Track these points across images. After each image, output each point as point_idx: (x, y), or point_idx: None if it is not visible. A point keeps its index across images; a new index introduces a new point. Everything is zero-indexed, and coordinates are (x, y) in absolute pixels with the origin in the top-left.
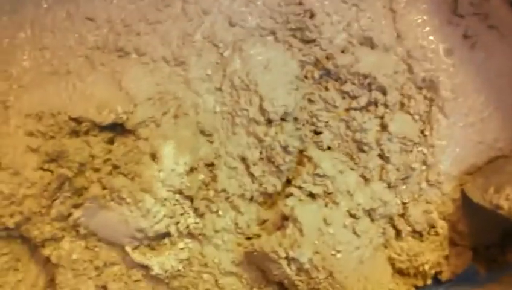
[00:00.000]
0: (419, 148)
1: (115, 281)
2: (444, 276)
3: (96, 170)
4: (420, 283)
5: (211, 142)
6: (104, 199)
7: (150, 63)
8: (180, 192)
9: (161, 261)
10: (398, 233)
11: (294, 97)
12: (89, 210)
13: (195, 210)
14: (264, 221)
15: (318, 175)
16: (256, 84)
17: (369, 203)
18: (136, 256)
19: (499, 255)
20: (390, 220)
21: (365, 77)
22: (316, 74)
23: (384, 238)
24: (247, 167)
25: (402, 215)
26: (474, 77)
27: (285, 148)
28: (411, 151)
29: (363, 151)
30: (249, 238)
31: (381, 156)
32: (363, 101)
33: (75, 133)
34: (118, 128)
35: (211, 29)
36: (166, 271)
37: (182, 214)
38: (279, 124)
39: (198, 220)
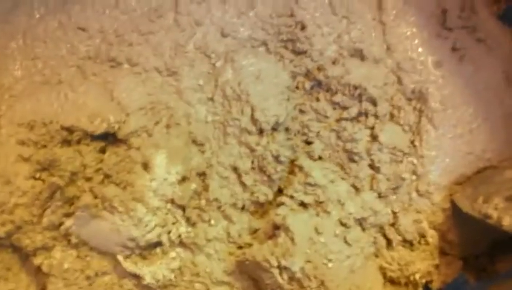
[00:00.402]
0: (409, 159)
1: None
2: (434, 285)
3: (88, 179)
4: None
5: (203, 152)
6: (95, 208)
7: (142, 73)
8: (172, 201)
9: (153, 271)
10: (389, 242)
11: (285, 107)
12: (81, 219)
13: (187, 219)
14: (256, 230)
15: (309, 184)
16: (248, 95)
17: (360, 212)
18: (128, 265)
19: (488, 265)
20: (381, 229)
21: (356, 88)
22: (307, 85)
23: (375, 248)
24: (239, 177)
25: (393, 225)
26: (463, 88)
27: (276, 158)
28: (401, 161)
29: (353, 161)
30: (240, 248)
31: (372, 166)
32: (353, 111)
33: (66, 142)
34: (109, 138)
35: (203, 40)
36: (158, 281)
37: (173, 223)
38: (271, 134)
39: (190, 229)
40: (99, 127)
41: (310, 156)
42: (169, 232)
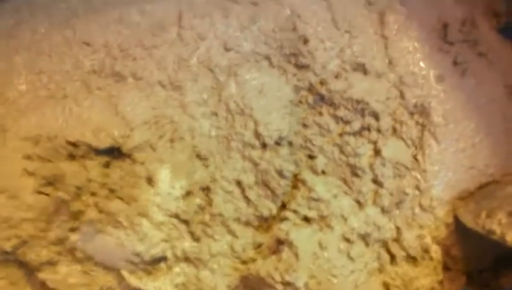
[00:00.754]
0: (412, 173)
1: None
2: None
3: (93, 194)
4: None
5: (207, 166)
6: (100, 222)
7: (146, 87)
8: (177, 216)
9: (157, 286)
10: (393, 258)
11: (288, 122)
12: (86, 234)
13: (192, 234)
14: (260, 245)
15: (313, 199)
16: (251, 109)
17: (363, 227)
18: (133, 281)
19: (492, 280)
20: (385, 244)
21: (358, 102)
22: (310, 99)
23: (378, 263)
24: (243, 191)
25: (396, 240)
26: (465, 103)
27: (280, 172)
28: (404, 176)
29: (356, 175)
30: (244, 263)
31: (375, 181)
32: (356, 126)
33: (72, 157)
34: (114, 152)
35: (207, 54)
36: None
37: (178, 238)
38: (274, 148)
39: (194, 244)
40: (104, 141)
41: (313, 171)
42: (173, 247)
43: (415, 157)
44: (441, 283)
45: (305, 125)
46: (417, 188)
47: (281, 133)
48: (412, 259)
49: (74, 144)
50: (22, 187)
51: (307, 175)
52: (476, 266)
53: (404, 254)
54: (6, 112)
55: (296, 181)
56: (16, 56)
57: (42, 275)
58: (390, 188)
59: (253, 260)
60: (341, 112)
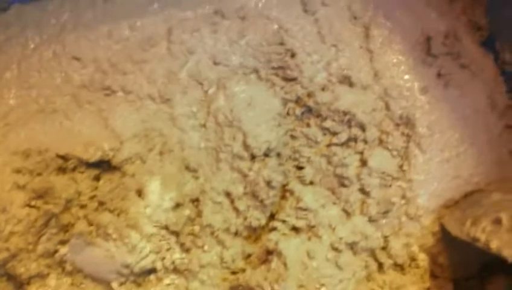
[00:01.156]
0: (398, 183)
1: None
2: None
3: (83, 207)
4: None
5: (196, 178)
6: (90, 235)
7: (136, 100)
8: (166, 227)
9: None
10: (380, 266)
11: (277, 133)
12: (75, 246)
13: (181, 245)
14: (249, 255)
15: (301, 209)
16: (240, 121)
17: (351, 236)
18: None
19: (478, 287)
20: (372, 253)
21: (345, 113)
22: (298, 111)
23: (366, 272)
24: (232, 202)
25: (383, 249)
26: (449, 114)
27: (268, 183)
28: (390, 185)
29: (344, 185)
30: (234, 273)
31: (362, 191)
32: (343, 137)
33: (61, 170)
34: (104, 165)
35: (196, 67)
36: None
37: (167, 250)
38: (263, 159)
39: (184, 255)
40: (94, 154)
41: (301, 181)
42: (163, 259)
43: (401, 167)
44: None
45: (293, 137)
46: (403, 197)
47: (269, 144)
48: (399, 267)
49: (64, 158)
50: (11, 201)
51: (295, 185)
52: (463, 273)
53: (391, 262)
54: None
55: (285, 191)
56: (5, 71)
57: (32, 289)
58: (377, 197)
59: (243, 270)
60: (328, 124)
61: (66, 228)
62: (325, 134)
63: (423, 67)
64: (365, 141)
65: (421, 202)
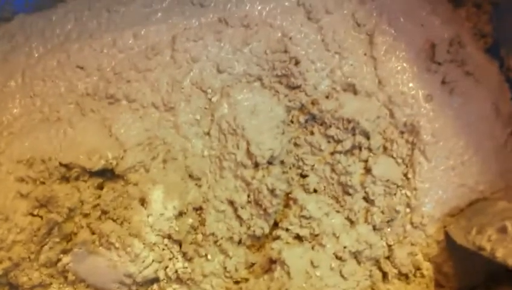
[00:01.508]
0: (403, 191)
1: None
2: None
3: (86, 215)
4: None
5: (200, 186)
6: (93, 244)
7: (139, 109)
8: (169, 236)
9: None
10: (385, 275)
11: (280, 141)
12: (78, 256)
13: (184, 254)
14: (252, 264)
15: (304, 217)
16: (244, 129)
17: (355, 245)
18: None
19: None
20: (377, 262)
21: (349, 121)
22: (302, 119)
23: (371, 281)
24: (235, 210)
25: (388, 258)
26: (454, 121)
27: (272, 191)
28: (395, 194)
29: (348, 194)
30: (237, 282)
31: (366, 199)
32: (347, 145)
33: (65, 179)
34: (107, 174)
35: (200, 75)
36: None
37: (170, 259)
38: (266, 167)
39: (186, 264)
40: (97, 163)
41: (305, 189)
42: (166, 268)
43: (405, 175)
44: None
45: (296, 145)
46: (408, 205)
47: (273, 152)
48: (404, 276)
49: (67, 166)
50: (14, 209)
51: (298, 194)
52: (468, 282)
53: (396, 271)
54: (0, 136)
55: (288, 200)
56: (10, 80)
57: None
58: (381, 206)
59: (246, 280)
60: (332, 131)
61: (68, 237)
62: (329, 142)
63: (427, 75)
64: (369, 149)
65: (425, 210)
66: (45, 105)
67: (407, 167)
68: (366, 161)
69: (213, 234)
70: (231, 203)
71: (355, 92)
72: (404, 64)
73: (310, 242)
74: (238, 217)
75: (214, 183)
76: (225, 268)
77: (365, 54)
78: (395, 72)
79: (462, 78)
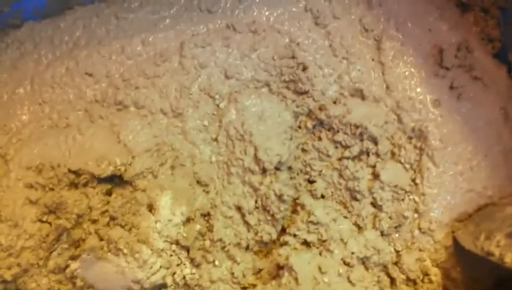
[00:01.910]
0: (411, 197)
1: None
2: None
3: (94, 222)
4: None
5: (207, 192)
6: (101, 250)
7: (148, 115)
8: (177, 242)
9: None
10: (393, 281)
11: (288, 147)
12: (86, 262)
13: (192, 260)
14: (260, 270)
15: (312, 223)
16: (251, 135)
17: (363, 251)
18: None
19: None
20: (385, 268)
21: (357, 127)
22: (309, 124)
23: (379, 287)
24: (243, 216)
25: (396, 264)
26: (462, 126)
27: (280, 197)
28: (403, 199)
29: (356, 199)
30: (244, 288)
31: (374, 205)
32: (355, 150)
33: (74, 185)
34: (116, 180)
35: (208, 81)
36: None
37: (178, 265)
38: (274, 173)
39: (194, 270)
40: (105, 170)
41: (313, 195)
42: (173, 274)
43: (413, 181)
44: None
45: (304, 150)
46: (416, 211)
47: (280, 158)
48: (412, 282)
49: (76, 173)
50: (23, 216)
51: (306, 199)
52: (476, 288)
53: (404, 277)
54: (9, 142)
55: (296, 205)
56: (19, 87)
57: None
58: (389, 211)
59: (253, 286)
60: (340, 137)
61: (77, 243)
62: (336, 147)
63: (435, 80)
64: (377, 154)
65: (434, 215)
66: (54, 112)
67: (415, 172)
68: (374, 167)
69: (221, 240)
70: (239, 209)
71: (363, 98)
72: (412, 70)
73: (317, 248)
74: (246, 223)
75: (222, 189)
76: (233, 274)
77: (373, 60)
78: (403, 78)
79: (470, 83)
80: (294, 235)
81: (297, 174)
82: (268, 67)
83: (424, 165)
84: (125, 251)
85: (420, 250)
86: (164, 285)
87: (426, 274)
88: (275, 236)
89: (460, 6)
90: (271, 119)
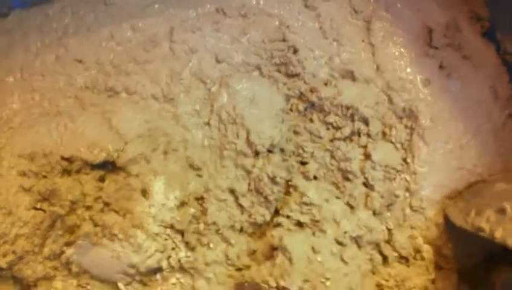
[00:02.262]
0: (402, 176)
1: None
2: None
3: (88, 208)
4: None
5: (200, 176)
6: (96, 236)
7: (139, 101)
8: (171, 226)
9: None
10: (385, 259)
11: (280, 129)
12: (81, 248)
13: (186, 244)
14: (254, 251)
15: (305, 204)
16: (243, 118)
17: (355, 230)
18: None
19: (483, 277)
20: (377, 246)
21: (348, 108)
22: (301, 107)
23: (371, 265)
24: (236, 199)
25: (388, 242)
26: (452, 105)
27: (272, 179)
28: (394, 178)
29: (348, 179)
30: (239, 270)
31: (366, 184)
32: (346, 131)
33: (66, 172)
34: (108, 166)
35: (199, 66)
36: None
37: (173, 249)
38: (266, 155)
39: (189, 253)
40: (98, 156)
41: (305, 176)
42: (169, 258)
43: (404, 160)
44: (433, 281)
45: (296, 132)
46: (407, 190)
47: (272, 140)
48: (404, 259)
49: (69, 160)
50: (17, 203)
51: (298, 181)
52: (468, 263)
53: (396, 254)
54: (0, 131)
55: (289, 187)
56: (8, 76)
57: None
58: (381, 191)
59: (248, 267)
60: (331, 118)
61: (71, 230)
62: (328, 129)
63: (425, 60)
64: (368, 135)
65: (425, 194)
66: (45, 99)
67: (406, 151)
68: (365, 147)
69: (215, 223)
70: (232, 192)
71: (353, 79)
72: (402, 50)
73: (310, 228)
74: (239, 205)
75: (215, 173)
76: (227, 256)
77: (363, 41)
78: (393, 58)
79: (459, 62)
80: (288, 217)
81: (290, 156)
82: (258, 50)
83: (415, 144)
84: (120, 236)
85: (412, 228)
86: (159, 269)
87: (418, 251)
88: (268, 218)
89: None
90: (262, 103)
